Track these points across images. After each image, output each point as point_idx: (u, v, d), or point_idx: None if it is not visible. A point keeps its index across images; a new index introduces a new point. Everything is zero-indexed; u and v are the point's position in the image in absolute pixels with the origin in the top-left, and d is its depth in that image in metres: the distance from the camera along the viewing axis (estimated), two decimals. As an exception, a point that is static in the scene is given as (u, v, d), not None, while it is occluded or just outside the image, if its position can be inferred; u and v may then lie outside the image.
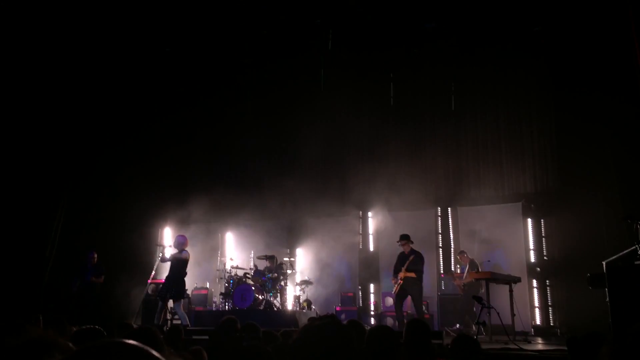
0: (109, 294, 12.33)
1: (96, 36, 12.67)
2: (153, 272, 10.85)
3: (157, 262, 10.56)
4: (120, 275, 12.60)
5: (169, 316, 10.25)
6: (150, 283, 12.06)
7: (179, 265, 10.14)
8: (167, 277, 10.29)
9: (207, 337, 6.90)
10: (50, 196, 13.55)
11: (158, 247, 10.57)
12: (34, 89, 12.95)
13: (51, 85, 13.13)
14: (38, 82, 12.94)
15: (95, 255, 11.65)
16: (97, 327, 4.10)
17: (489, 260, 11.26)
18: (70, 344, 1.49)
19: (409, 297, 10.11)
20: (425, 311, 11.59)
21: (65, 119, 13.54)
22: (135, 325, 7.78)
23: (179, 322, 10.22)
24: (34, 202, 13.15)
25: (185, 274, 10.21)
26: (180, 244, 10.31)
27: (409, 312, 11.25)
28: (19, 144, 12.96)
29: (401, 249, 10.38)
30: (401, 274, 9.90)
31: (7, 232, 12.46)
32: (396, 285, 10.08)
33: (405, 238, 10.30)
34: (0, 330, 2.47)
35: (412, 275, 9.81)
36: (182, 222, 14.10)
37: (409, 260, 9.93)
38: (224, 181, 14.35)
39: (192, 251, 13.28)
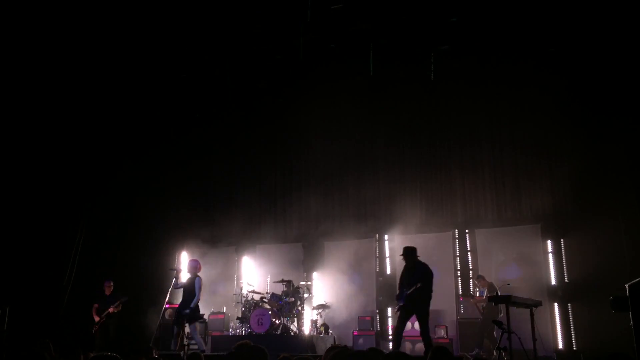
0: (126, 320, 12.34)
1: (118, 61, 12.89)
2: (167, 297, 10.81)
3: (170, 287, 10.53)
4: (138, 300, 12.63)
5: (186, 341, 10.20)
6: (167, 308, 12.05)
7: (192, 290, 10.12)
8: (181, 302, 10.29)
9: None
10: (68, 223, 13.68)
11: (171, 271, 10.53)
12: (53, 113, 13.16)
13: (71, 110, 13.34)
14: (57, 106, 13.15)
15: (112, 284, 11.64)
16: (113, 354, 4.08)
17: (508, 284, 11.08)
18: None
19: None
20: (444, 336, 11.42)
21: (83, 144, 13.72)
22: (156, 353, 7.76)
23: (196, 347, 10.18)
24: (52, 229, 13.27)
25: (198, 298, 10.15)
26: (193, 268, 10.32)
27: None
28: (37, 169, 13.14)
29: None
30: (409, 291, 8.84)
31: (26, 259, 12.58)
32: (400, 302, 9.06)
33: (406, 252, 9.26)
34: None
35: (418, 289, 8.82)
36: (198, 247, 14.15)
37: (412, 272, 9.03)
38: (239, 206, 14.41)
39: (209, 275, 13.32)
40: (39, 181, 13.21)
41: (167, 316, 11.95)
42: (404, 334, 10.54)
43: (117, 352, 4.21)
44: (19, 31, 11.59)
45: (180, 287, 10.38)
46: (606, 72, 11.21)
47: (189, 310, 9.94)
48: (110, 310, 11.24)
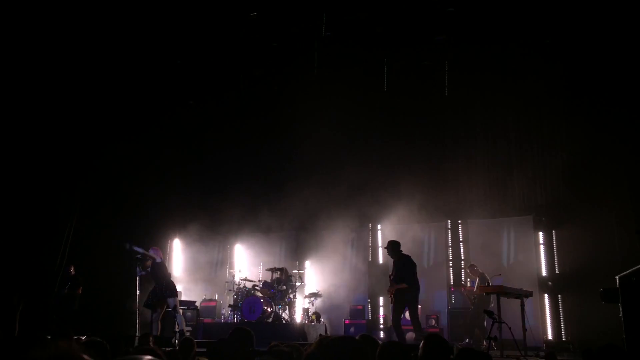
0: (118, 307, 12.36)
1: (111, 51, 12.76)
2: (137, 291, 10.75)
3: (137, 276, 10.50)
4: (127, 288, 12.62)
5: (177, 328, 10.20)
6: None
7: (161, 271, 10.31)
8: (155, 287, 10.32)
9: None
10: (61, 210, 13.62)
11: (134, 261, 10.42)
12: (47, 105, 13.06)
13: (64, 101, 13.24)
14: (51, 98, 13.04)
15: (72, 268, 11.82)
16: (99, 339, 4.09)
17: (499, 274, 11.14)
18: None
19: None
20: (435, 325, 11.49)
21: (77, 133, 13.63)
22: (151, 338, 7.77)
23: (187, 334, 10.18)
24: (45, 216, 13.20)
25: (168, 274, 10.46)
26: (155, 255, 10.42)
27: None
28: (30, 157, 13.05)
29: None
30: (391, 289, 9.21)
31: (16, 245, 12.53)
32: (390, 296, 9.32)
33: (389, 246, 9.44)
34: (22, 343, 2.47)
35: (403, 286, 9.02)
36: (191, 235, 14.14)
37: (396, 266, 9.27)
38: (233, 194, 14.38)
39: (201, 263, 13.35)
40: (30, 168, 13.11)
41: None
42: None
43: (106, 338, 4.20)
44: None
45: (143, 275, 10.37)
46: (600, 63, 11.21)
47: (164, 290, 10.06)
48: (66, 291, 11.45)
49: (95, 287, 12.74)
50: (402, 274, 9.15)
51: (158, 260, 10.40)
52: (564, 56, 11.73)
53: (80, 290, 11.62)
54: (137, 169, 14.08)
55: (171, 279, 10.52)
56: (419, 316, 9.47)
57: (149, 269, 10.34)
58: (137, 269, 10.22)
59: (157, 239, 14.08)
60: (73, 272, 11.83)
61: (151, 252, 10.44)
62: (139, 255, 10.34)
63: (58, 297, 11.54)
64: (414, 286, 9.15)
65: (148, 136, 14.23)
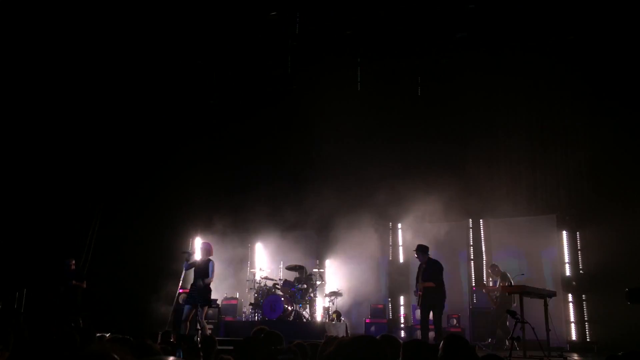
0: (141, 303, 12.49)
1: (131, 58, 12.95)
2: (181, 282, 10.83)
3: (183, 271, 10.58)
4: (152, 284, 12.76)
5: (199, 326, 10.23)
6: (182, 292, 12.14)
7: (205, 272, 10.06)
8: (193, 284, 10.12)
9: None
10: (86, 208, 13.83)
11: (183, 254, 10.45)
12: (72, 108, 13.29)
13: (88, 103, 13.46)
14: (75, 100, 13.28)
15: (73, 262, 11.97)
16: (127, 336, 4.13)
17: (522, 274, 11.02)
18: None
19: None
20: (457, 325, 11.42)
21: (100, 135, 13.84)
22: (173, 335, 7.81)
23: (208, 332, 10.21)
24: (70, 214, 13.42)
25: (210, 281, 9.93)
26: (206, 251, 10.19)
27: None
28: (57, 157, 13.30)
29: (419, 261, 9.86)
30: (420, 286, 9.44)
31: (43, 243, 12.76)
32: (418, 298, 9.60)
33: (418, 249, 9.72)
34: (56, 342, 2.51)
35: (430, 284, 9.31)
36: (212, 233, 14.22)
37: (423, 269, 9.53)
38: (254, 193, 14.44)
39: (222, 261, 13.40)
40: (57, 166, 13.35)
41: (180, 300, 12.03)
42: (415, 324, 10.88)
43: (131, 334, 4.25)
44: (45, 27, 11.69)
45: (190, 268, 10.30)
46: (623, 60, 11.03)
47: (201, 293, 9.82)
48: (74, 282, 11.63)
49: (121, 283, 12.91)
50: (429, 274, 9.39)
51: (207, 261, 9.92)
52: (587, 53, 11.56)
53: (84, 285, 11.75)
54: (160, 168, 14.23)
55: (210, 285, 9.93)
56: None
57: (194, 262, 10.20)
58: (185, 263, 10.23)
59: (180, 237, 14.23)
60: (74, 267, 11.99)
61: (202, 247, 10.31)
62: (189, 250, 10.41)
63: (64, 290, 11.69)
64: (441, 287, 9.37)
65: (171, 136, 14.37)
